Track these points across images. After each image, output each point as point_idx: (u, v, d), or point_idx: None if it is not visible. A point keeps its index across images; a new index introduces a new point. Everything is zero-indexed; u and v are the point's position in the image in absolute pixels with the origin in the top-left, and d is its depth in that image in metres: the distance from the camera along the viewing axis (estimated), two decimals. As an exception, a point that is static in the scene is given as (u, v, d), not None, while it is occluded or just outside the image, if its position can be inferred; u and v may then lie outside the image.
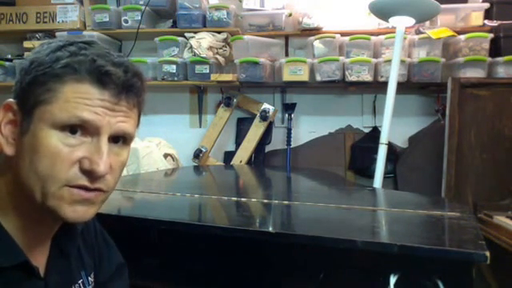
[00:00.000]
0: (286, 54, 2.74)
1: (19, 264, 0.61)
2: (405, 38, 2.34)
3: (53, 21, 2.68)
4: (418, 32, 2.46)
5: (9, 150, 0.61)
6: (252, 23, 2.64)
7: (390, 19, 2.10)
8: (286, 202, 1.24)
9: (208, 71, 2.57)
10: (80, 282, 0.73)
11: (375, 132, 2.64)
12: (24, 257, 0.62)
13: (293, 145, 2.68)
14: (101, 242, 0.80)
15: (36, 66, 0.60)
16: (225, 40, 2.62)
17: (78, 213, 0.61)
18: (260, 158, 2.70)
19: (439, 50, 2.42)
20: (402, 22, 2.09)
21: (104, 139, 0.61)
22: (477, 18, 2.45)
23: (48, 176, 0.59)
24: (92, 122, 0.59)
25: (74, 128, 0.59)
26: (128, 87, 0.62)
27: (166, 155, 2.43)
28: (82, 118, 0.59)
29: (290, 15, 2.61)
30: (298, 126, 2.80)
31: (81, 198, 0.61)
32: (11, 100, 0.62)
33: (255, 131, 2.65)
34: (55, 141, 0.59)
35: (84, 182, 0.60)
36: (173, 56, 2.62)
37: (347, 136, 2.76)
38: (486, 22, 2.44)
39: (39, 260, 0.66)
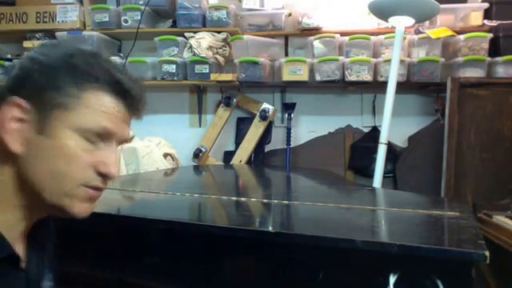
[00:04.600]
0: (286, 54, 2.74)
1: (6, 256, 0.64)
2: (404, 38, 2.34)
3: (53, 21, 2.68)
4: (418, 32, 2.46)
5: (17, 148, 0.62)
6: (252, 23, 2.64)
7: (390, 19, 2.10)
8: (285, 202, 1.24)
9: (208, 71, 2.57)
10: (50, 274, 0.77)
11: (375, 132, 2.65)
12: (11, 249, 0.64)
13: (292, 144, 2.68)
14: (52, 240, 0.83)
15: (49, 69, 0.63)
16: (224, 40, 2.62)
17: (86, 209, 0.67)
18: (260, 158, 2.70)
19: (439, 50, 2.43)
20: (401, 22, 2.09)
21: (115, 145, 0.68)
22: (476, 18, 2.45)
23: (65, 175, 0.63)
24: (110, 131, 0.66)
25: (94, 134, 0.65)
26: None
27: (165, 155, 2.44)
28: (105, 127, 0.65)
29: (290, 15, 2.61)
30: (297, 126, 2.80)
31: (93, 196, 0.67)
32: (20, 99, 0.62)
33: (255, 131, 2.65)
34: (75, 144, 0.63)
35: (98, 183, 0.66)
36: (172, 56, 2.62)
37: (347, 136, 2.76)
38: (486, 21, 2.44)
39: (19, 253, 0.69)
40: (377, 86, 2.52)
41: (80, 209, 0.66)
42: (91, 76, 0.63)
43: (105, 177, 0.66)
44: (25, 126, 0.62)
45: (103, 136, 0.65)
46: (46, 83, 0.62)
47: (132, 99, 0.67)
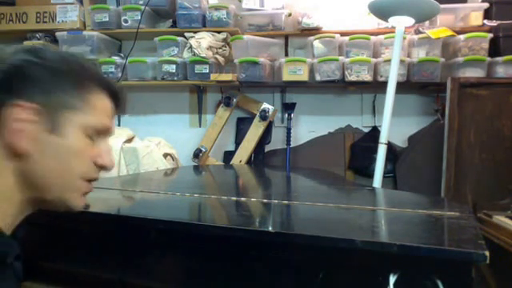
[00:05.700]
0: (286, 54, 2.74)
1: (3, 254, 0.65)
2: (404, 38, 2.34)
3: (53, 21, 2.68)
4: (418, 32, 2.46)
5: (24, 147, 0.65)
6: (252, 23, 2.64)
7: (390, 19, 2.10)
8: (285, 202, 1.24)
9: (208, 71, 2.57)
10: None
11: (375, 132, 2.65)
12: (18, 249, 0.67)
13: (292, 144, 2.68)
14: None
15: (53, 73, 0.67)
16: (224, 40, 2.62)
17: (83, 202, 0.74)
18: (260, 158, 2.70)
19: (439, 50, 2.43)
20: (401, 22, 2.09)
21: (108, 140, 0.76)
22: (476, 18, 2.45)
23: (72, 170, 0.69)
24: (108, 128, 0.74)
25: (95, 131, 0.72)
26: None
27: (165, 155, 2.44)
28: (105, 124, 0.73)
29: (290, 15, 2.61)
30: (297, 126, 2.80)
31: (89, 190, 0.74)
32: (26, 102, 0.64)
33: (255, 131, 2.65)
34: (81, 141, 0.69)
35: (96, 174, 0.73)
36: (172, 56, 2.62)
37: (347, 136, 2.76)
38: (486, 21, 2.44)
39: None
40: (377, 86, 2.52)
41: (79, 202, 0.72)
42: (92, 79, 0.71)
43: (103, 168, 0.74)
44: (33, 127, 0.65)
45: (101, 132, 0.73)
46: (52, 86, 0.66)
47: (119, 99, 0.76)
